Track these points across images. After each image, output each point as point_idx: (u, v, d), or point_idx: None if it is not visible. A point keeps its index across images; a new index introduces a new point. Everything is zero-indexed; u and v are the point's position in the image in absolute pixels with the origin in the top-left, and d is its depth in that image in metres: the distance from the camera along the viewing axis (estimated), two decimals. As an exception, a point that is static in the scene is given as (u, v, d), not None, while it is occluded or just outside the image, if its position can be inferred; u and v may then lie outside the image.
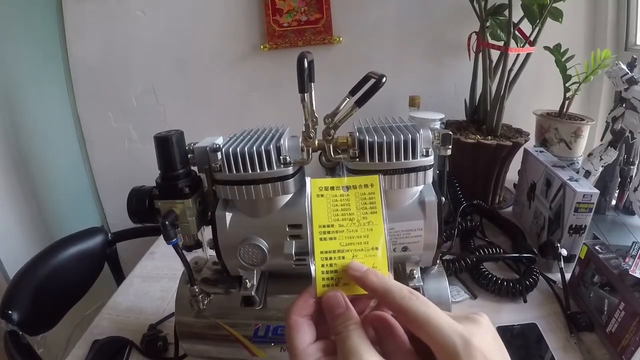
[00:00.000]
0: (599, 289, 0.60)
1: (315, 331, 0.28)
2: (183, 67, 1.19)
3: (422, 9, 1.10)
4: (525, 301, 0.67)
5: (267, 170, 0.43)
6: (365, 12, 1.11)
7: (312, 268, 0.29)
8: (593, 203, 0.67)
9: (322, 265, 0.29)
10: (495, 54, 0.94)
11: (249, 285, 0.48)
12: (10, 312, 0.67)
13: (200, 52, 1.17)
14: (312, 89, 0.40)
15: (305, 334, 0.27)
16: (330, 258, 0.30)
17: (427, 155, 0.43)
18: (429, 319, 0.24)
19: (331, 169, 0.48)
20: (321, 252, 0.30)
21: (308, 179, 0.32)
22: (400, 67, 1.16)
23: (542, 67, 0.96)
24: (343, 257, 0.30)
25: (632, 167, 0.80)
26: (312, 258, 0.29)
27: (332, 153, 0.44)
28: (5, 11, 1.07)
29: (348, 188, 0.32)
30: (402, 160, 0.42)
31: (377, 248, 0.30)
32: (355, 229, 0.30)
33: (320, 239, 0.30)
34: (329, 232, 0.30)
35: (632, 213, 0.83)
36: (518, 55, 0.92)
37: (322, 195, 0.31)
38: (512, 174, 0.99)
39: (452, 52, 1.13)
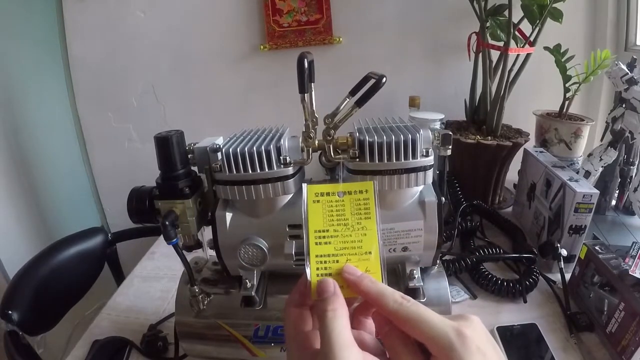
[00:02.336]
0: (599, 289, 0.60)
1: (310, 321, 0.30)
2: (183, 67, 1.19)
3: (422, 9, 1.10)
4: (525, 301, 0.67)
5: (267, 170, 0.43)
6: (365, 12, 1.11)
7: (308, 271, 0.30)
8: (593, 203, 0.67)
9: (317, 269, 0.30)
10: (495, 54, 0.94)
11: (249, 285, 0.48)
12: (10, 312, 0.67)
13: (200, 52, 1.17)
14: (312, 89, 0.40)
15: (295, 321, 0.29)
16: (325, 262, 0.30)
17: (427, 155, 0.43)
18: (420, 317, 0.25)
19: (331, 169, 0.48)
20: (316, 256, 0.30)
21: (304, 185, 0.32)
22: (400, 67, 1.16)
23: (542, 67, 0.96)
24: (337, 261, 0.30)
25: (632, 167, 0.80)
26: (308, 262, 0.30)
27: (332, 153, 0.44)
28: (5, 11, 1.07)
29: (343, 194, 0.32)
30: (402, 160, 0.42)
31: (370, 252, 0.31)
32: (349, 234, 0.31)
33: (316, 244, 0.31)
34: (324, 237, 0.31)
35: (632, 213, 0.83)
36: (518, 55, 0.92)
37: (318, 201, 0.32)
38: (512, 174, 0.99)
39: (452, 52, 1.13)
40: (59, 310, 0.80)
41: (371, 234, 0.31)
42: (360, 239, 0.31)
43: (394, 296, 0.27)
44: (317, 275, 0.30)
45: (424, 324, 0.24)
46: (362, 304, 0.30)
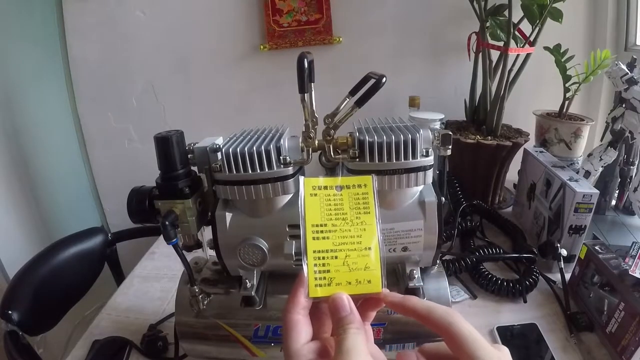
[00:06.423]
0: (599, 289, 0.60)
1: (311, 329, 0.29)
2: (183, 67, 1.19)
3: (422, 9, 1.10)
4: (525, 301, 0.67)
5: (267, 170, 0.43)
6: (365, 12, 1.11)
7: (305, 268, 0.29)
8: (593, 203, 0.67)
9: (315, 265, 0.29)
10: (495, 54, 0.94)
11: (249, 285, 0.48)
12: (10, 312, 0.67)
13: (200, 52, 1.17)
14: (312, 89, 0.40)
15: (299, 334, 0.28)
16: (323, 257, 0.30)
17: (427, 155, 0.43)
18: (474, 338, 0.25)
19: (331, 169, 0.49)
20: (314, 252, 0.30)
21: (302, 178, 0.32)
22: (400, 67, 1.16)
23: (542, 67, 0.96)
24: (336, 257, 0.30)
25: (631, 167, 0.80)
26: (305, 257, 0.29)
27: (332, 153, 0.44)
28: (5, 11, 1.07)
29: (341, 188, 0.32)
30: (402, 160, 0.42)
31: (370, 248, 0.30)
32: (348, 229, 0.31)
33: (313, 238, 0.30)
34: (322, 232, 0.30)
35: (632, 213, 0.83)
36: (518, 55, 0.92)
37: (315, 195, 0.31)
38: (512, 174, 0.99)
39: (452, 52, 1.13)
40: (59, 310, 0.80)
41: (370, 229, 0.31)
42: (359, 234, 0.30)
43: (445, 308, 0.27)
44: (315, 272, 0.29)
45: (475, 344, 0.25)
46: (361, 310, 0.30)
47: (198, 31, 1.15)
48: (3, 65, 1.08)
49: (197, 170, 0.49)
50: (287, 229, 0.45)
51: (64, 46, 1.18)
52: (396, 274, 0.50)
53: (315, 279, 0.29)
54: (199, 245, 0.50)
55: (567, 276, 0.68)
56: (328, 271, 0.29)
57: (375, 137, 0.42)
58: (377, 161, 0.42)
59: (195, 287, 0.49)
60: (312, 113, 0.41)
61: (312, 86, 0.40)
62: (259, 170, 0.43)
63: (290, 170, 0.44)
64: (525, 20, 0.90)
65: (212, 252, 0.49)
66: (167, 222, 0.44)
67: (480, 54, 0.96)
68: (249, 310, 0.50)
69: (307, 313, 0.29)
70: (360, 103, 0.41)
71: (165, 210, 0.46)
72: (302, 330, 0.28)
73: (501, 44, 0.92)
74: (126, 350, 0.61)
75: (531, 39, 0.90)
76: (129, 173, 1.29)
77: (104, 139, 1.29)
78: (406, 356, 0.28)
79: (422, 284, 0.47)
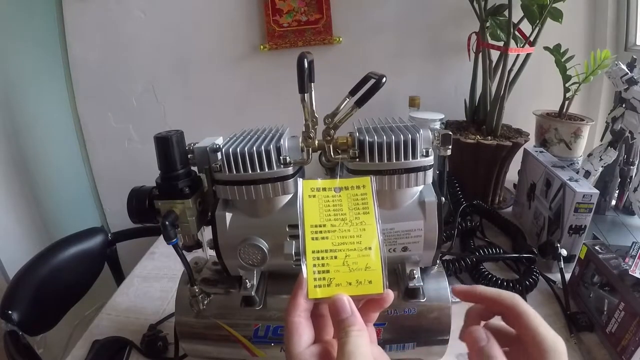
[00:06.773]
0: (599, 289, 0.60)
1: (313, 332, 0.28)
2: (183, 67, 1.19)
3: (422, 9, 1.10)
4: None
5: (267, 170, 0.43)
6: (365, 12, 1.11)
7: (304, 268, 0.29)
8: (593, 203, 0.67)
9: (314, 266, 0.29)
10: (495, 54, 0.94)
11: (249, 285, 0.48)
12: (10, 312, 0.67)
13: (200, 52, 1.17)
14: (312, 89, 0.40)
15: (301, 337, 0.27)
16: (322, 258, 0.29)
17: (427, 155, 0.43)
18: (538, 318, 0.28)
19: (331, 169, 0.48)
20: (313, 252, 0.29)
21: (300, 180, 0.32)
22: (400, 67, 1.16)
23: (542, 67, 0.96)
24: (335, 257, 0.29)
25: (631, 167, 0.80)
26: (304, 258, 0.29)
27: (332, 153, 0.44)
28: (6, 11, 1.07)
29: (340, 189, 0.32)
30: (402, 160, 0.42)
31: (370, 248, 0.30)
32: (347, 229, 0.30)
33: (312, 239, 0.30)
34: (320, 232, 0.30)
35: (632, 213, 0.83)
36: (518, 55, 0.92)
37: (313, 196, 0.31)
38: (512, 174, 0.99)
39: (452, 52, 1.13)
40: (59, 310, 0.80)
41: (370, 229, 0.30)
42: (359, 234, 0.30)
43: (510, 293, 0.30)
44: (314, 272, 0.29)
45: (543, 326, 0.27)
46: (363, 311, 0.30)
47: (198, 31, 1.15)
48: (3, 65, 1.08)
49: (197, 170, 0.49)
50: (287, 229, 0.45)
51: (64, 46, 1.18)
52: (396, 273, 0.50)
53: (315, 279, 0.29)
54: (199, 245, 0.50)
55: (567, 276, 0.68)
56: (327, 271, 0.29)
57: (375, 137, 0.42)
58: (377, 161, 0.42)
59: (195, 287, 0.49)
60: (312, 113, 0.41)
61: (312, 86, 0.40)
62: (259, 170, 0.43)
63: (290, 170, 0.44)
64: (525, 20, 0.90)
65: (212, 252, 0.49)
66: (167, 222, 0.44)
67: (480, 54, 0.96)
68: (249, 310, 0.50)
69: (308, 315, 0.29)
70: (360, 103, 0.41)
71: (165, 210, 0.46)
72: (303, 333, 0.28)
73: (501, 44, 0.92)
74: (126, 351, 0.61)
75: (531, 39, 0.90)
76: (129, 173, 1.29)
77: (104, 139, 1.29)
78: (475, 331, 0.30)
79: (422, 284, 0.47)
